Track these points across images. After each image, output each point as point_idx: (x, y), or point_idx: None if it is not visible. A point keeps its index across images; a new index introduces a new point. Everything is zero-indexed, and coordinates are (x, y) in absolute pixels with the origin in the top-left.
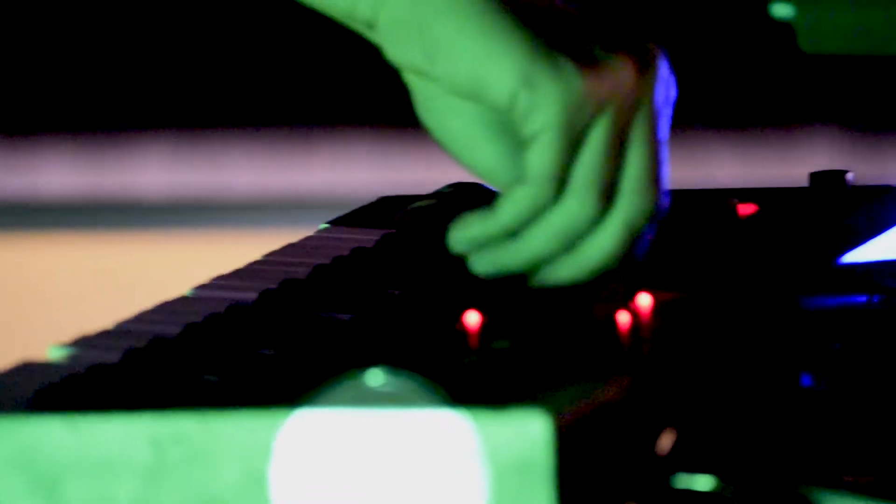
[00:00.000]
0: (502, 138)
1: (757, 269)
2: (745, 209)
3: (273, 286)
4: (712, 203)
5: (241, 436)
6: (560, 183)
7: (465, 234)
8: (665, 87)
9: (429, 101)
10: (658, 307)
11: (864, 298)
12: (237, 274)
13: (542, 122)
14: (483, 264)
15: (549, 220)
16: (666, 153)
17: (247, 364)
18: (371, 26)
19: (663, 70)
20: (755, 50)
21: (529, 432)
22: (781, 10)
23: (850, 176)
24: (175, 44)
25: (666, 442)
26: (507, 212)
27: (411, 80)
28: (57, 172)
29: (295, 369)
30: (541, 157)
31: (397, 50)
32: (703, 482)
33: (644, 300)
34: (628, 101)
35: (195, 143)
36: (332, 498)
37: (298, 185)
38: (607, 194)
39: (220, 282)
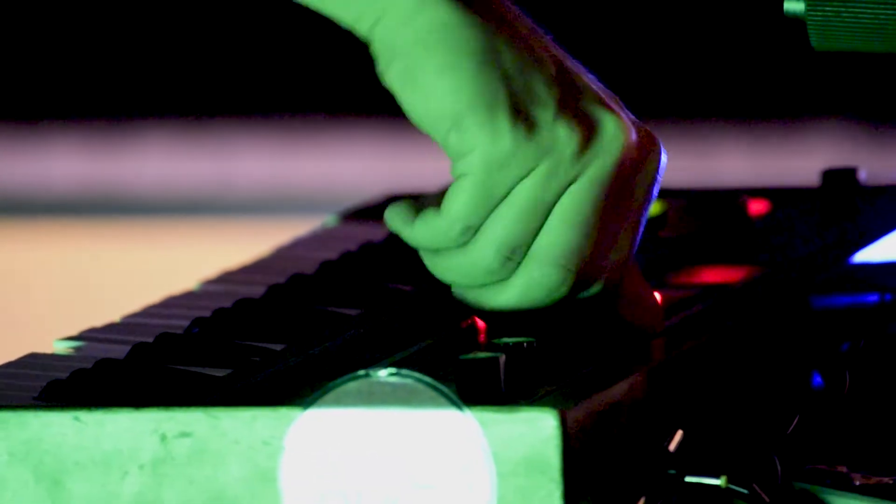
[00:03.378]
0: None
1: (768, 268)
2: (756, 208)
3: (281, 281)
4: (723, 202)
5: (247, 432)
6: (470, 230)
7: (391, 222)
8: (644, 168)
9: None
10: (668, 306)
11: (875, 298)
12: (245, 268)
13: (465, 167)
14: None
15: (454, 258)
16: (608, 233)
17: (254, 359)
18: (368, 43)
19: (628, 150)
20: (766, 41)
21: (539, 430)
22: (793, 7)
23: (862, 174)
24: (182, 32)
25: (677, 439)
26: (418, 232)
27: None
28: (64, 161)
29: (303, 365)
30: (456, 200)
31: (382, 70)
32: (714, 480)
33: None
34: (562, 171)
35: (201, 133)
36: (339, 496)
37: (305, 175)
38: (513, 256)
39: (228, 276)
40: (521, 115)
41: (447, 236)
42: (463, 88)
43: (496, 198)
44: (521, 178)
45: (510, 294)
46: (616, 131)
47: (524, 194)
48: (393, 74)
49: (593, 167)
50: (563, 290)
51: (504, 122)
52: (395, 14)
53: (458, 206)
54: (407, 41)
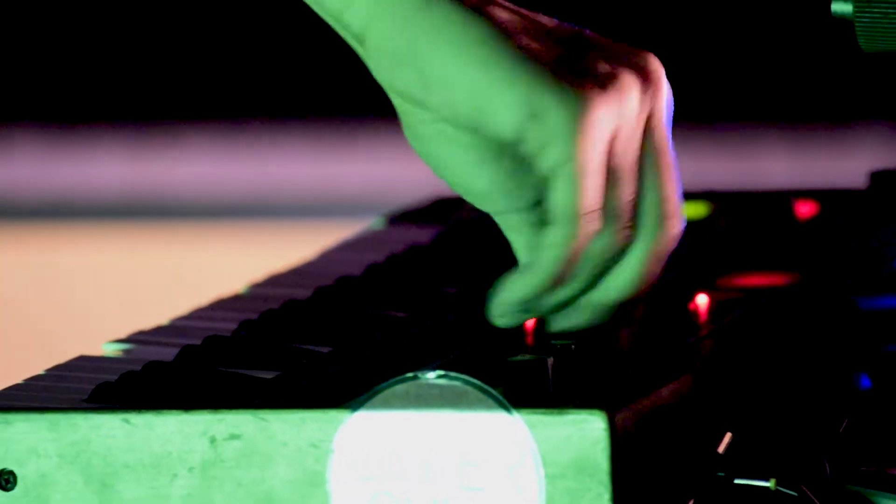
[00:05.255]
0: (496, 164)
1: (815, 269)
2: (804, 210)
3: (328, 283)
4: (771, 204)
5: (296, 434)
6: (598, 216)
7: (512, 298)
8: (669, 102)
9: (418, 125)
10: (716, 308)
11: None
12: (292, 271)
13: (558, 156)
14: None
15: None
16: (677, 172)
17: (302, 362)
18: (360, 41)
19: (665, 84)
20: (811, 43)
21: (587, 432)
22: (841, 8)
23: None
24: (224, 35)
25: (726, 442)
26: (548, 261)
27: (398, 102)
28: (111, 165)
29: (350, 367)
30: (565, 194)
31: (387, 73)
32: (763, 483)
33: (702, 300)
34: (636, 120)
35: (248, 136)
36: (387, 499)
37: (352, 178)
38: (633, 220)
39: (275, 279)
40: (582, 78)
41: (575, 234)
42: (518, 76)
43: (603, 165)
44: (613, 138)
45: (635, 267)
46: (651, 61)
47: (621, 153)
48: (407, 80)
49: (657, 102)
50: (677, 237)
51: (576, 93)
52: (393, 14)
53: (570, 197)
54: (416, 41)
